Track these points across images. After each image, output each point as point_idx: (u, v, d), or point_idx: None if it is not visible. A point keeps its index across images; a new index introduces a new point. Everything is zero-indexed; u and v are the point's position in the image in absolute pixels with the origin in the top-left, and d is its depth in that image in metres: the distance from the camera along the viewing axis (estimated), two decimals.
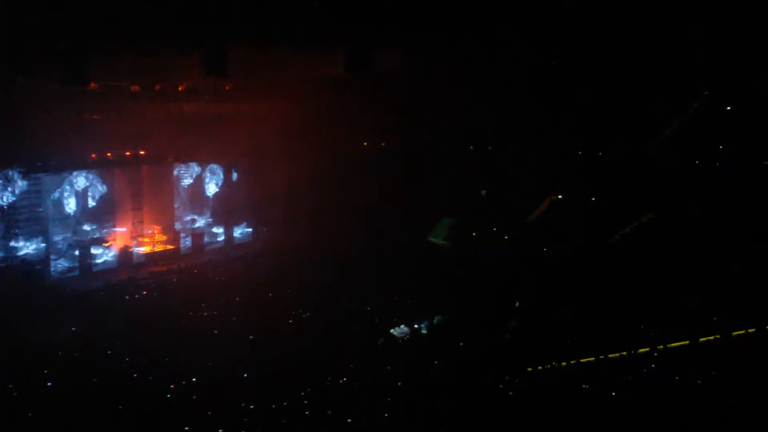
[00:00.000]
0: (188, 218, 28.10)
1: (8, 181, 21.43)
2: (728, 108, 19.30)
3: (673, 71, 17.96)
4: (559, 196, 23.74)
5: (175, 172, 27.35)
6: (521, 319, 17.82)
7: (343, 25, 14.20)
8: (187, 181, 27.86)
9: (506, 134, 22.81)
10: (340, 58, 16.20)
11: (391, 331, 17.48)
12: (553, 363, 14.85)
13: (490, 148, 24.58)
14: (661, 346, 15.18)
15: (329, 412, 12.39)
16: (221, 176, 28.87)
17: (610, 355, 14.97)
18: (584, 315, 17.24)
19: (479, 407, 12.73)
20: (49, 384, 13.64)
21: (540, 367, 14.79)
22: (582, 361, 14.90)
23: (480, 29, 15.02)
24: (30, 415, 12.20)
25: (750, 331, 15.07)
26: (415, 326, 17.77)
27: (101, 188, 24.81)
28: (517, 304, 19.04)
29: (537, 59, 18.02)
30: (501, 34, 15.56)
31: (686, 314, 16.44)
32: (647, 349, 15.17)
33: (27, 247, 22.61)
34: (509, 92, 20.26)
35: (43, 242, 22.84)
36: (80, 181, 24.21)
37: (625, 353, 15.05)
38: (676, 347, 15.16)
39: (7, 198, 21.52)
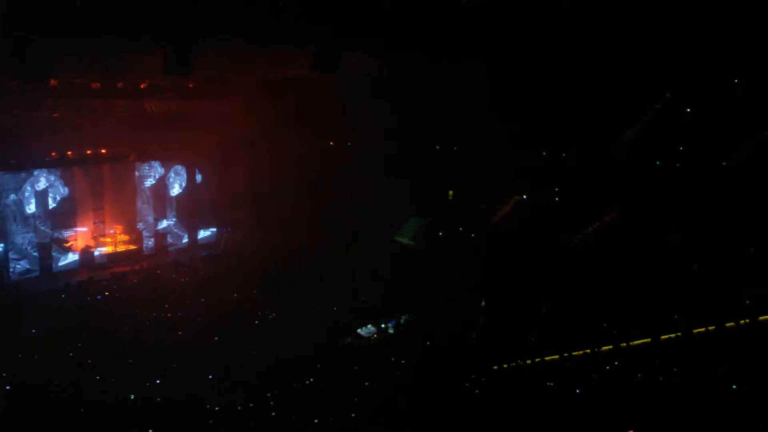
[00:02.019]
0: (151, 218, 27.60)
1: None
2: (688, 110, 19.65)
3: (635, 73, 18.24)
4: (524, 197, 23.95)
5: (138, 173, 26.87)
6: (487, 318, 17.97)
7: (310, 25, 14.15)
8: (150, 182, 27.37)
9: (472, 135, 22.93)
10: (306, 58, 16.15)
11: (358, 330, 17.48)
12: (519, 361, 15.00)
13: (455, 148, 24.69)
14: (624, 344, 15.42)
15: (295, 413, 12.37)
16: (185, 177, 28.45)
17: (574, 353, 15.17)
18: (548, 313, 17.45)
19: (446, 406, 12.80)
20: (7, 387, 13.35)
21: (506, 366, 14.93)
22: (547, 359, 15.08)
23: (445, 31, 15.11)
24: None
25: (710, 328, 15.39)
26: (382, 326, 17.79)
27: (62, 190, 24.28)
28: (483, 303, 19.19)
29: (502, 60, 18.19)
30: (466, 37, 15.66)
31: (648, 312, 16.73)
32: (610, 346, 15.39)
33: None
34: (475, 93, 20.38)
35: (1, 242, 22.29)
36: (41, 182, 23.67)
37: (588, 351, 15.26)
38: (638, 345, 15.42)
39: None
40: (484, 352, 15.52)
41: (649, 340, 15.51)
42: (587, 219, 21.75)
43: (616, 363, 14.74)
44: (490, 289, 19.83)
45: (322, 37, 15.18)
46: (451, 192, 25.67)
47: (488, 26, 15.10)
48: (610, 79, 18.48)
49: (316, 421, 12.15)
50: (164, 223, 28.15)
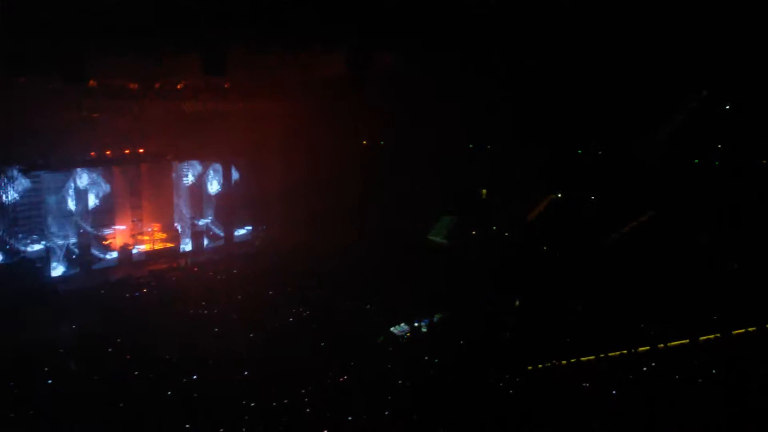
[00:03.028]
0: (188, 216, 27.92)
1: (11, 179, 21.47)
2: (727, 107, 19.30)
3: (672, 70, 17.97)
4: (559, 195, 23.74)
5: (175, 175, 27.27)
6: (521, 317, 17.84)
7: (342, 25, 14.19)
8: (188, 180, 27.76)
9: (506, 133, 22.80)
10: (339, 58, 16.20)
11: (392, 329, 17.49)
12: (554, 361, 14.86)
13: (489, 147, 24.58)
14: (662, 345, 15.19)
15: (329, 410, 12.44)
16: (222, 175, 28.85)
17: (610, 354, 14.98)
18: (584, 313, 17.26)
19: (480, 405, 12.75)
20: (49, 381, 13.66)
21: (540, 366, 14.80)
22: (582, 359, 14.91)
23: (478, 30, 15.03)
24: (31, 412, 12.24)
25: (750, 330, 15.08)
26: (416, 324, 17.77)
27: (104, 186, 24.77)
28: (517, 303, 19.06)
29: (535, 59, 18.03)
30: (499, 35, 15.57)
31: (686, 313, 16.45)
32: (647, 347, 15.17)
33: (27, 245, 22.62)
34: (509, 91, 20.25)
35: (43, 240, 22.86)
36: (84, 179, 24.18)
37: (625, 352, 15.06)
38: (676, 346, 15.18)
39: (11, 196, 21.55)
40: (519, 351, 15.41)
41: (687, 341, 15.26)
42: (623, 218, 21.47)
43: (653, 364, 14.52)
44: (524, 288, 19.68)
45: (354, 37, 15.21)
46: (484, 190, 25.56)
47: (521, 26, 14.98)
48: (648, 76, 18.24)
49: (349, 418, 12.20)
50: (201, 222, 28.47)
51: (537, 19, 14.51)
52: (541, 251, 22.90)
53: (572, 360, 14.97)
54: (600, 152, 22.14)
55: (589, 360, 14.94)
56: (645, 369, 14.36)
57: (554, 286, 19.33)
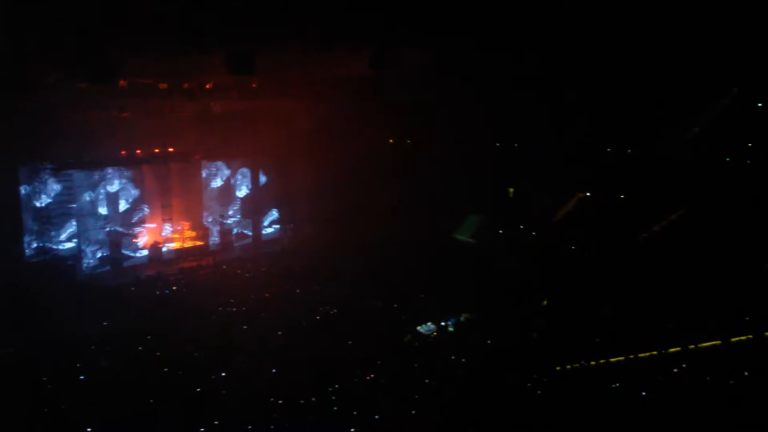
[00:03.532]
0: (217, 216, 28.20)
1: (43, 184, 21.86)
2: (759, 105, 18.98)
3: (704, 67, 17.69)
4: (587, 194, 23.52)
5: (205, 173, 27.55)
6: (549, 317, 17.71)
7: (368, 23, 14.19)
8: (217, 183, 28.05)
9: (534, 131, 22.63)
10: (366, 57, 16.20)
11: (418, 328, 17.46)
12: (582, 362, 14.73)
13: (516, 145, 24.42)
14: (693, 346, 14.98)
15: (356, 409, 12.47)
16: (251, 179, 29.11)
17: (640, 355, 14.81)
18: (613, 314, 17.09)
19: (507, 406, 12.69)
20: (81, 377, 13.88)
21: (568, 366, 14.68)
22: (611, 360, 14.76)
23: (504, 27, 14.93)
24: (63, 407, 12.45)
25: None
26: (442, 324, 17.73)
27: (133, 192, 25.14)
28: (545, 303, 18.92)
29: (565, 55, 17.88)
30: (526, 31, 15.44)
31: (718, 313, 16.21)
32: (678, 348, 14.97)
33: (59, 243, 23.01)
34: (537, 89, 20.10)
35: (74, 238, 23.23)
36: (114, 184, 24.56)
37: (655, 352, 14.87)
38: (707, 347, 14.95)
39: (44, 201, 21.95)
40: (547, 352, 15.29)
41: (719, 342, 15.03)
42: (653, 217, 21.21)
43: (683, 365, 14.33)
44: (552, 288, 19.54)
45: (380, 36, 15.20)
46: (511, 189, 25.41)
47: (549, 19, 14.84)
48: (679, 73, 17.99)
49: (376, 417, 12.22)
50: (229, 220, 28.69)
51: (566, 14, 14.37)
52: (569, 251, 22.72)
53: (601, 361, 14.82)
54: (630, 150, 21.87)
55: (618, 361, 14.78)
56: (675, 370, 14.18)
57: (583, 286, 19.16)
